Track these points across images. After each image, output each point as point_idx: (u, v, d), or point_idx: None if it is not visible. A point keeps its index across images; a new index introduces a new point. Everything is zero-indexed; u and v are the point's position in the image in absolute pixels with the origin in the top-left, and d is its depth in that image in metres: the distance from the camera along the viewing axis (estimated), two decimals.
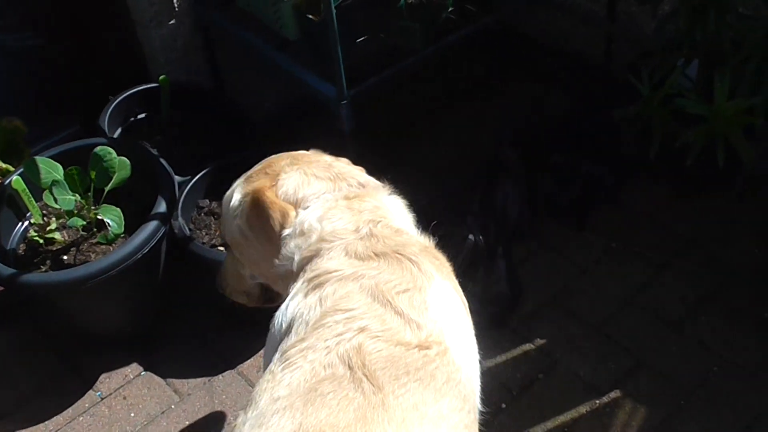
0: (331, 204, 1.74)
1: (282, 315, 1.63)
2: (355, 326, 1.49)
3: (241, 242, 1.86)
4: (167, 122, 3.04)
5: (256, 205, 1.78)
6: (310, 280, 1.61)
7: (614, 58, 3.36)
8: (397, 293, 1.55)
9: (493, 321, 2.66)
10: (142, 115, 3.09)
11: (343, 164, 1.88)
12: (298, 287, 1.63)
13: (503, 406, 2.49)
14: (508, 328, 2.68)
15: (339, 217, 1.71)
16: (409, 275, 1.60)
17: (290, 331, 1.55)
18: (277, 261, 1.74)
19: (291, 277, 1.70)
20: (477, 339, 2.62)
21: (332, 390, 1.40)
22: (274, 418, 1.38)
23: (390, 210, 1.78)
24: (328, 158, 1.89)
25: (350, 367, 1.43)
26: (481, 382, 2.50)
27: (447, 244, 2.71)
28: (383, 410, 1.39)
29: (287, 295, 1.66)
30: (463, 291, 2.66)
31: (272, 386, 1.44)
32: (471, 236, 2.68)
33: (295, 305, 1.60)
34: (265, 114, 3.24)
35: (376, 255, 1.62)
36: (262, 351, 2.66)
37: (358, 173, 1.86)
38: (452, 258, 2.66)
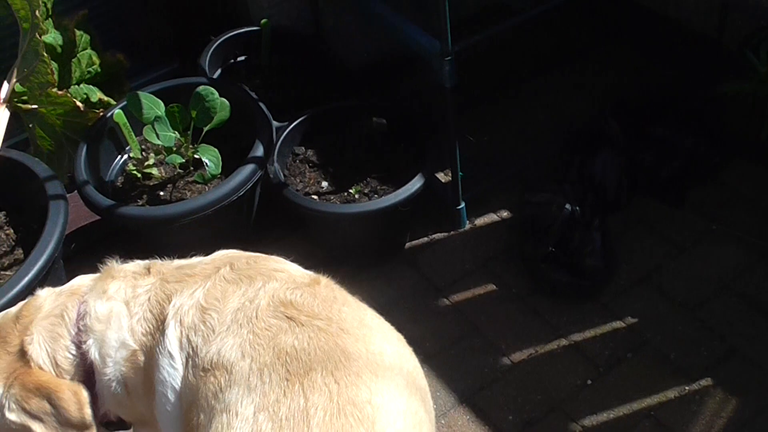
0: (98, 293, 1.68)
1: (168, 360, 1.57)
2: (259, 296, 1.57)
3: None
4: (266, 67, 3.02)
5: (38, 394, 1.62)
6: (174, 315, 1.59)
7: (727, 30, 3.22)
8: (252, 266, 1.64)
9: (584, 294, 2.61)
10: (242, 58, 3.09)
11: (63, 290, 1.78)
12: (164, 336, 1.58)
13: (589, 382, 2.44)
14: (599, 302, 2.61)
15: (120, 286, 1.68)
16: (241, 256, 1.70)
17: (195, 349, 1.54)
18: (107, 371, 1.63)
19: (137, 361, 1.62)
20: (566, 311, 2.60)
21: (293, 337, 1.48)
22: (266, 381, 1.43)
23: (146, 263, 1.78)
24: (44, 293, 1.78)
25: (290, 318, 1.52)
26: (567, 357, 2.50)
27: (543, 211, 2.69)
28: (346, 334, 1.51)
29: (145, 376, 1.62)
30: (555, 261, 2.62)
31: (228, 369, 1.47)
32: (568, 206, 2.62)
33: (177, 338, 1.57)
34: (362, 64, 3.19)
35: (204, 264, 1.68)
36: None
37: (79, 279, 1.80)
38: (548, 226, 2.64)
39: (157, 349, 1.59)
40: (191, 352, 1.55)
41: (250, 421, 1.39)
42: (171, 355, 1.57)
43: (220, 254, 1.75)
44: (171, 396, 1.57)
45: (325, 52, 3.06)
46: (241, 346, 1.50)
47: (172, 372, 1.57)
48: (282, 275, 1.63)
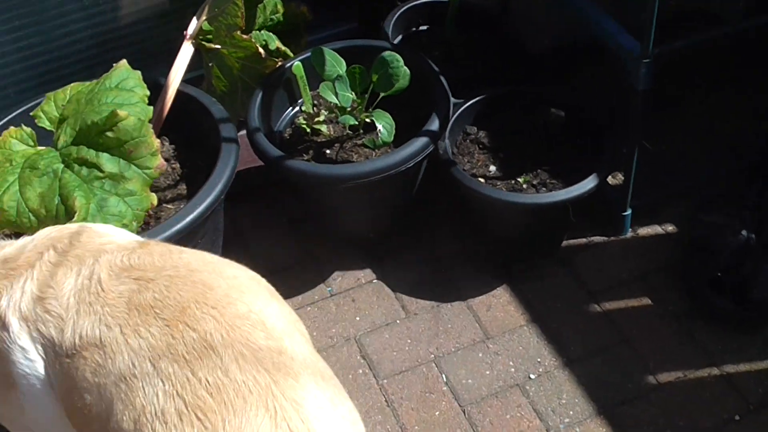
0: None
1: (22, 354, 1.56)
2: (95, 271, 1.57)
3: None
4: (448, 40, 2.97)
5: None
6: (13, 312, 1.58)
7: None
8: (76, 245, 1.65)
9: (745, 325, 2.49)
10: (424, 28, 3.04)
11: None
12: (9, 333, 1.57)
13: (737, 417, 2.32)
14: (760, 336, 2.48)
15: None
16: (62, 236, 1.69)
17: (51, 340, 1.54)
18: None
19: None
20: (723, 339, 2.48)
21: (150, 293, 1.52)
22: (146, 336, 1.45)
23: None
24: None
25: (137, 279, 1.55)
26: (717, 387, 2.39)
27: (716, 233, 2.56)
28: (198, 272, 1.56)
29: None
30: (720, 287, 2.49)
31: (99, 344, 1.48)
32: (744, 232, 2.49)
33: (26, 332, 1.56)
34: (543, 49, 3.10)
35: (28, 252, 1.66)
36: (495, 290, 2.64)
37: None
38: (719, 250, 2.52)
39: (6, 347, 1.58)
40: (47, 343, 1.55)
41: (153, 373, 1.41)
42: (24, 348, 1.57)
43: (42, 236, 1.73)
44: (36, 383, 1.58)
45: (508, 33, 2.98)
46: (101, 321, 1.50)
47: (31, 364, 1.57)
48: (110, 246, 1.65)
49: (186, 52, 2.62)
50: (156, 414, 1.37)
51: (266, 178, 2.88)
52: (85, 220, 2.05)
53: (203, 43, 2.65)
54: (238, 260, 2.71)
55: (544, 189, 2.52)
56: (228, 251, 2.65)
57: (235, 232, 2.73)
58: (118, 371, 1.44)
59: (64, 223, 2.07)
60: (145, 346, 1.44)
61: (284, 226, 2.88)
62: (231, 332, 1.44)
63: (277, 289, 2.63)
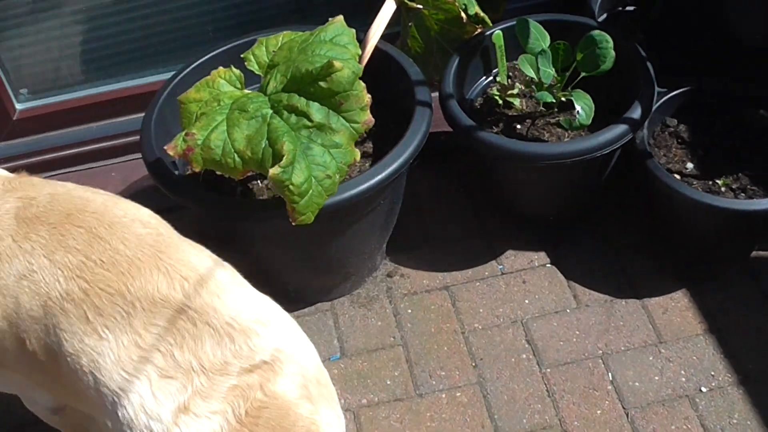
0: None
1: None
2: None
3: None
4: (654, 24, 2.82)
5: None
6: None
7: None
8: None
9: None
10: (631, 8, 2.90)
11: None
12: None
13: None
14: None
15: None
16: None
17: None
18: None
19: None
20: None
21: (35, 207, 1.73)
22: (32, 240, 1.67)
23: None
24: None
25: (22, 197, 1.76)
26: None
27: None
28: (75, 190, 1.82)
29: None
30: None
31: (2, 249, 1.68)
32: None
33: None
34: (762, 44, 2.90)
35: None
36: (674, 293, 2.52)
37: None
38: None
39: None
40: None
41: (50, 266, 1.63)
42: None
43: None
44: None
45: (723, 22, 2.80)
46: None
47: None
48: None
49: (388, 8, 2.59)
50: (61, 296, 1.61)
51: (449, 145, 2.83)
52: (291, 164, 2.06)
53: (406, 1, 2.62)
54: (411, 225, 2.76)
55: (743, 195, 2.38)
56: (403, 215, 2.64)
57: (411, 197, 2.70)
58: (16, 272, 1.66)
59: (268, 167, 2.10)
60: (38, 247, 1.67)
61: (462, 197, 2.85)
62: (112, 227, 1.69)
63: (447, 260, 2.67)
